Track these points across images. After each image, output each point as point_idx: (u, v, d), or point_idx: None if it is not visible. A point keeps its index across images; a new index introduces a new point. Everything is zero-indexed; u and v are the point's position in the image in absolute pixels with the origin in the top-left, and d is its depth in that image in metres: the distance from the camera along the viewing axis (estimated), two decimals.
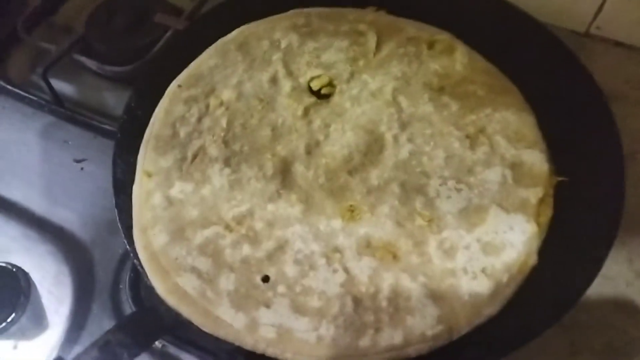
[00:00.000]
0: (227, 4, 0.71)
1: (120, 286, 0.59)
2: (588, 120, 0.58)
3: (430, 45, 0.65)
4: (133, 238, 0.51)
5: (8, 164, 0.69)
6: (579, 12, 0.77)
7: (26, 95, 0.75)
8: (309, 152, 0.58)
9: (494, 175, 0.54)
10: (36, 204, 0.66)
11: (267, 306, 0.47)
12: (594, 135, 0.56)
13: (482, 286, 0.47)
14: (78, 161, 0.69)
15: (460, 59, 0.63)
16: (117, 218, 0.52)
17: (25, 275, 0.58)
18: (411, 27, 0.67)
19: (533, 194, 0.52)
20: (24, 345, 0.56)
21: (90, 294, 0.58)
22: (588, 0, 0.75)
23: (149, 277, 0.48)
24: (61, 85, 0.76)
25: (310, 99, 0.62)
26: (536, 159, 0.55)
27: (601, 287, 0.57)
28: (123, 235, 0.51)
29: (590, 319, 0.57)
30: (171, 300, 0.47)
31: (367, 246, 0.51)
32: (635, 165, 0.65)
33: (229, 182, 0.55)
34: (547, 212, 0.52)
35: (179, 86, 0.62)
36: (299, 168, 0.56)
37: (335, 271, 0.49)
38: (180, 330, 0.48)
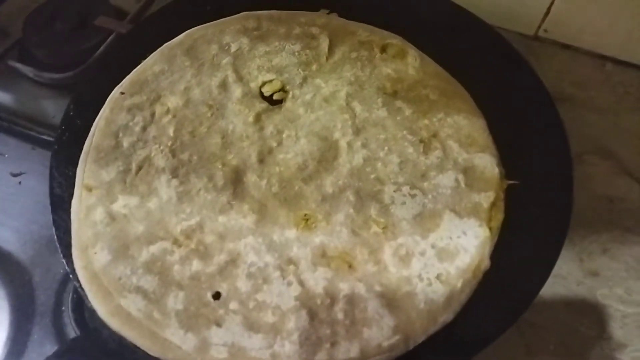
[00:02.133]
0: (173, 6, 0.69)
1: (63, 308, 0.55)
2: (536, 123, 0.59)
3: (383, 49, 0.64)
4: (72, 258, 0.48)
5: None
6: (527, 15, 0.79)
7: None
8: (261, 160, 0.56)
9: (447, 180, 0.54)
10: None
11: (219, 324, 0.45)
12: (543, 138, 0.57)
13: (437, 293, 0.47)
14: (15, 175, 0.64)
15: (412, 62, 0.63)
16: (55, 236, 0.48)
17: None
18: (363, 31, 0.66)
19: (485, 198, 0.52)
20: None
21: (30, 318, 0.54)
22: (536, 4, 0.77)
23: (90, 299, 0.46)
24: None
25: (261, 105, 0.60)
26: (487, 163, 0.55)
27: (553, 287, 0.58)
28: (61, 254, 0.48)
29: (544, 320, 0.57)
30: (114, 323, 0.45)
31: (322, 256, 0.49)
32: (583, 166, 0.66)
33: (177, 194, 0.53)
34: (499, 216, 0.52)
35: (122, 93, 0.59)
36: (251, 177, 0.55)
37: (289, 284, 0.48)
38: (126, 354, 0.45)
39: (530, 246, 0.50)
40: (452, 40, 0.64)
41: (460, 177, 0.54)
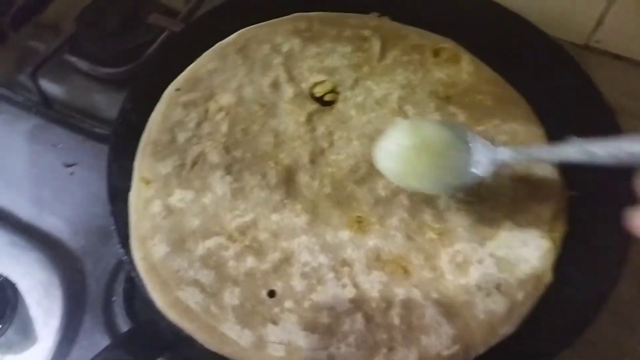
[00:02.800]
0: (226, 6, 0.69)
1: (113, 298, 0.56)
2: (596, 133, 0.57)
3: (436, 53, 0.64)
4: (130, 249, 0.48)
5: None
6: (579, 24, 0.77)
7: (13, 95, 0.71)
8: (313, 160, 0.56)
9: (505, 188, 0.53)
10: (24, 210, 0.62)
11: (275, 322, 0.45)
12: None
13: (497, 304, 0.46)
14: (68, 165, 0.65)
15: (466, 67, 0.62)
16: (114, 227, 0.49)
17: (12, 285, 0.55)
18: (415, 35, 0.66)
19: (546, 209, 0.51)
20: (12, 359, 0.52)
21: (82, 307, 0.55)
22: (588, 13, 0.75)
23: (149, 290, 0.46)
24: (50, 86, 0.72)
25: (313, 106, 0.60)
26: (547, 173, 0.54)
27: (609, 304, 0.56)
28: (120, 245, 0.48)
29: (599, 338, 0.55)
30: (173, 315, 0.45)
31: (376, 259, 0.49)
32: None
33: (231, 190, 0.53)
34: (561, 228, 0.51)
35: (177, 90, 0.60)
36: (303, 177, 0.54)
37: (344, 286, 0.47)
38: (182, 347, 0.45)
39: (594, 261, 0.49)
40: (506, 46, 0.63)
41: (519, 185, 0.53)
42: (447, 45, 0.64)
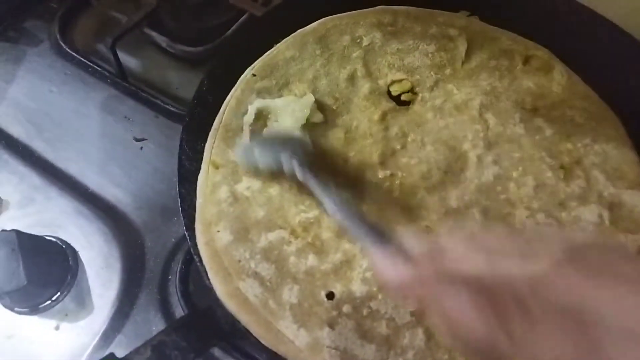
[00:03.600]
0: None
1: (170, 277, 0.56)
2: None
3: (526, 60, 0.60)
4: (194, 232, 0.48)
5: (66, 134, 0.67)
6: None
7: (90, 64, 0.72)
8: (383, 161, 0.54)
9: (589, 213, 0.49)
10: (91, 179, 0.63)
11: (332, 326, 0.43)
12: None
13: None
14: (138, 140, 0.66)
15: (558, 79, 0.58)
16: (180, 208, 0.49)
17: (75, 253, 0.56)
18: (506, 38, 0.62)
19: (632, 241, 0.47)
20: (66, 326, 0.54)
21: (139, 282, 0.56)
22: None
23: (210, 277, 0.45)
24: (127, 58, 0.73)
25: (388, 104, 0.58)
26: (638, 202, 0.49)
27: None
28: (185, 227, 0.48)
29: None
30: (232, 305, 0.44)
31: None
32: None
33: (298, 184, 0.51)
34: None
35: (254, 75, 0.59)
36: (372, 178, 0.52)
37: (406, 297, 0.45)
38: (236, 338, 0.44)
39: None
40: (603, 59, 0.59)
41: (605, 213, 0.49)
42: (540, 52, 0.60)
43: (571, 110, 0.56)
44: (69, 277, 0.55)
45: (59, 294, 0.54)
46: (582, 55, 0.59)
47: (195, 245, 0.47)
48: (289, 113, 0.55)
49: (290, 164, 0.46)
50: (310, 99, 0.57)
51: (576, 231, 0.48)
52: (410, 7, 0.65)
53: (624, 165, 0.52)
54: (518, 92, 0.58)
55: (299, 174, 0.45)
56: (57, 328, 0.54)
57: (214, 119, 0.55)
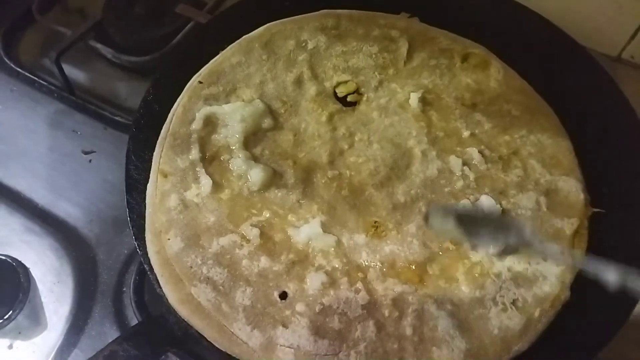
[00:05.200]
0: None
1: (124, 289, 0.56)
2: (625, 149, 0.55)
3: (464, 58, 0.62)
4: (144, 241, 0.48)
5: (13, 150, 0.66)
6: (613, 37, 0.75)
7: (36, 79, 0.71)
8: (332, 161, 0.55)
9: (527, 200, 0.51)
10: (40, 195, 0.62)
11: (285, 325, 0.44)
12: (631, 165, 0.54)
13: (512, 320, 0.45)
14: (86, 153, 0.65)
15: (494, 74, 0.61)
16: (129, 219, 0.48)
17: (26, 270, 0.55)
18: (444, 38, 0.64)
19: (568, 225, 0.50)
20: (20, 345, 0.53)
21: (92, 296, 0.55)
22: (623, 25, 0.73)
23: (162, 284, 0.45)
24: (73, 72, 0.72)
25: (335, 105, 0.59)
26: (572, 188, 0.52)
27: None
28: (134, 237, 0.48)
29: (614, 356, 0.54)
30: (184, 311, 0.44)
31: (391, 266, 0.48)
32: None
33: (248, 187, 0.52)
34: (582, 245, 0.49)
35: (200, 82, 0.59)
36: (321, 178, 0.54)
37: (357, 291, 0.46)
38: (190, 344, 0.44)
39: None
40: (538, 54, 0.62)
41: (542, 199, 0.51)
42: (477, 50, 0.63)
43: (508, 104, 0.58)
44: (20, 294, 0.54)
45: (11, 312, 0.53)
46: (518, 51, 0.62)
47: (145, 254, 0.47)
48: (238, 119, 0.56)
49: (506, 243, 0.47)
50: (258, 104, 0.57)
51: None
52: (352, 11, 0.66)
53: (559, 153, 0.55)
54: (458, 88, 0.60)
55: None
56: (10, 347, 0.53)
57: (161, 128, 0.55)
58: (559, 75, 0.60)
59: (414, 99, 0.58)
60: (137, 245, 0.48)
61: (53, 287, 0.55)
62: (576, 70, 0.61)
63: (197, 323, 0.44)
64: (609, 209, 0.51)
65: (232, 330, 0.44)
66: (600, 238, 0.50)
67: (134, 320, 0.53)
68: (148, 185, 0.51)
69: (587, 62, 0.61)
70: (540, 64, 0.61)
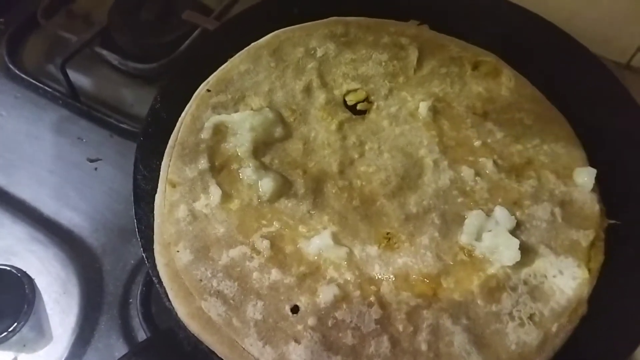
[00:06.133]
0: (261, 6, 0.68)
1: (130, 300, 0.55)
2: (639, 159, 0.55)
3: (475, 66, 0.62)
4: (152, 253, 0.47)
5: (18, 158, 0.65)
6: (622, 43, 0.75)
7: (41, 85, 0.71)
8: (342, 171, 0.54)
9: (542, 211, 0.50)
10: (45, 204, 0.61)
11: (297, 341, 0.43)
12: None
13: (530, 335, 0.44)
14: (92, 160, 0.65)
15: (506, 83, 0.60)
16: (137, 230, 0.48)
17: (31, 281, 0.54)
18: (455, 46, 0.63)
19: (584, 237, 0.49)
20: (25, 358, 0.52)
21: (99, 307, 0.54)
22: (632, 32, 0.73)
23: (171, 298, 0.44)
24: (78, 78, 0.72)
25: (345, 114, 0.58)
26: (587, 198, 0.51)
27: None
28: (142, 249, 0.47)
29: None
30: (194, 326, 0.43)
31: (405, 279, 0.47)
32: None
33: (258, 198, 0.51)
34: (599, 257, 0.48)
35: (208, 91, 0.58)
36: (332, 188, 0.53)
37: (370, 305, 0.45)
38: (200, 359, 0.43)
39: (631, 292, 0.46)
40: (549, 61, 0.61)
41: (557, 210, 0.50)
42: (488, 58, 0.62)
43: (520, 113, 0.57)
44: (25, 306, 0.53)
45: (15, 324, 0.52)
46: (529, 59, 0.62)
47: (154, 266, 0.46)
48: (247, 128, 0.55)
49: None
50: (268, 113, 0.57)
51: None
52: (361, 18, 0.66)
53: (573, 163, 0.54)
54: (469, 97, 0.59)
55: None
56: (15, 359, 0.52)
57: (169, 137, 0.54)
58: (571, 83, 0.59)
59: (423, 107, 0.57)
60: (146, 257, 0.47)
61: (59, 298, 0.55)
62: (588, 78, 0.60)
63: (208, 338, 0.43)
64: (625, 220, 0.50)
65: (243, 346, 0.43)
66: (617, 250, 0.49)
67: (140, 332, 0.52)
68: (156, 195, 0.50)
69: (599, 70, 0.60)
70: (551, 71, 0.61)
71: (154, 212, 0.49)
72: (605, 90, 0.59)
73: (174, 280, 0.45)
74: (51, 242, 0.58)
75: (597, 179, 0.52)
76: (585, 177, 0.52)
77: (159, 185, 0.51)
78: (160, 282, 0.46)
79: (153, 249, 0.47)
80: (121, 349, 0.51)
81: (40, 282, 0.55)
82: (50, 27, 0.76)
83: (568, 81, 0.60)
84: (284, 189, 0.52)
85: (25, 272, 0.55)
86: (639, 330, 0.45)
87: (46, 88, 0.70)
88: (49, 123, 0.68)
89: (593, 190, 0.52)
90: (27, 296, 0.53)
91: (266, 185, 0.51)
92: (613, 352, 0.44)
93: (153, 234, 0.48)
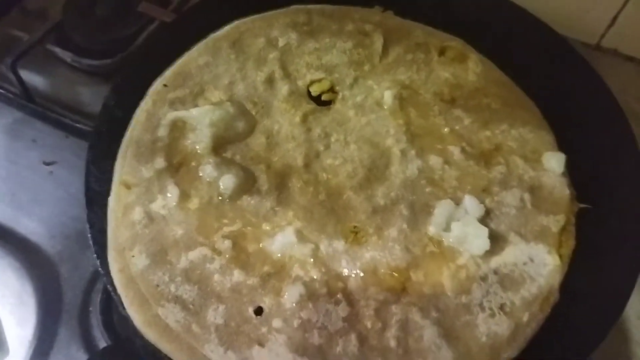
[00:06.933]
0: None
1: (90, 309, 0.52)
2: (608, 140, 0.54)
3: (441, 52, 0.60)
4: (107, 259, 0.45)
5: None
6: (591, 24, 0.74)
7: None
8: (307, 164, 0.52)
9: (511, 198, 0.49)
10: None
11: (261, 344, 0.41)
12: (615, 157, 0.52)
13: (501, 325, 0.43)
14: (47, 164, 0.62)
15: (473, 68, 0.59)
16: (89, 235, 0.45)
17: None
18: (420, 32, 0.62)
19: (554, 222, 0.48)
20: None
21: (57, 317, 0.52)
22: (601, 13, 0.72)
23: (126, 306, 0.42)
24: (31, 78, 0.68)
25: (309, 105, 0.56)
26: (557, 183, 0.50)
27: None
28: (95, 255, 0.45)
29: (603, 356, 0.53)
30: (151, 334, 0.41)
31: (373, 274, 0.45)
32: None
33: (219, 195, 0.49)
34: (570, 242, 0.48)
35: (165, 85, 0.56)
36: (296, 183, 0.51)
37: (337, 303, 0.44)
38: None
39: (603, 278, 0.45)
40: (516, 45, 0.60)
41: (526, 196, 0.49)
42: (454, 43, 0.61)
43: (487, 98, 0.56)
44: None
45: None
46: (496, 43, 0.60)
47: (108, 273, 0.44)
48: (207, 124, 0.53)
49: None
50: (228, 107, 0.54)
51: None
52: (324, 5, 0.64)
53: (542, 148, 0.53)
54: (436, 83, 0.58)
55: None
56: None
57: (123, 136, 0.52)
58: (538, 67, 0.58)
59: (388, 96, 0.56)
60: (99, 263, 0.44)
61: (14, 310, 0.52)
62: (555, 61, 0.59)
63: (166, 346, 0.41)
64: (595, 204, 0.49)
65: (203, 353, 0.41)
66: (589, 234, 0.48)
67: (101, 342, 0.50)
68: (110, 198, 0.48)
69: (566, 52, 0.59)
70: (518, 55, 0.59)
71: (108, 215, 0.47)
72: (573, 73, 0.58)
73: (129, 287, 0.43)
74: (5, 251, 0.55)
75: (567, 162, 0.52)
76: (554, 161, 0.51)
77: (113, 187, 0.49)
78: (115, 289, 0.43)
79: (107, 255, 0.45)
80: None
81: None
82: (1, 26, 0.73)
83: (536, 64, 0.59)
84: (247, 185, 0.50)
85: None
86: (611, 316, 0.44)
87: None
88: (2, 126, 0.65)
89: (563, 174, 0.51)
90: None
91: (227, 182, 0.49)
92: (586, 340, 0.43)
93: (107, 239, 0.46)
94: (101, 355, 0.43)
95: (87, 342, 0.51)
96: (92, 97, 0.68)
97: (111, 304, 0.50)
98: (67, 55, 0.67)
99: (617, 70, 0.74)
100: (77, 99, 0.68)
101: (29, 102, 0.66)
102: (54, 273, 0.54)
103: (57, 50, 0.67)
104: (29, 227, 0.57)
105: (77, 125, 0.63)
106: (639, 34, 0.71)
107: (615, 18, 0.72)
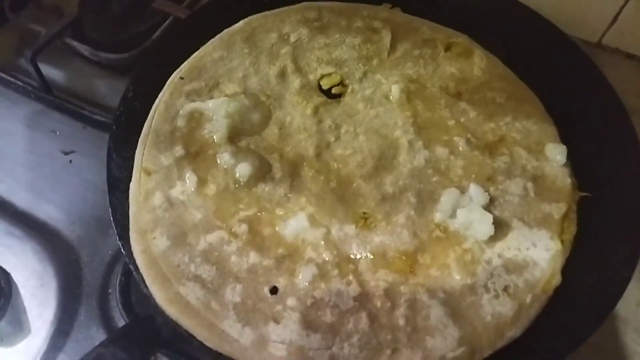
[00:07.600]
0: None
1: (109, 290, 0.54)
2: (609, 133, 0.56)
3: (447, 47, 0.62)
4: (128, 241, 0.47)
5: None
6: (593, 22, 0.76)
7: (12, 80, 0.69)
8: (318, 154, 0.54)
9: (515, 186, 0.51)
10: (20, 198, 0.60)
11: (276, 321, 0.43)
12: (616, 149, 0.55)
13: (505, 306, 0.44)
14: (66, 153, 0.64)
15: (478, 63, 0.61)
16: (112, 218, 0.47)
17: (7, 275, 0.53)
18: (427, 28, 0.64)
19: (556, 209, 0.50)
20: (3, 352, 0.51)
21: (77, 298, 0.54)
22: (602, 11, 0.74)
23: (148, 284, 0.44)
24: (50, 71, 0.71)
25: (320, 98, 0.58)
26: (559, 173, 0.52)
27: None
28: (117, 237, 0.47)
29: (602, 340, 0.54)
30: (172, 311, 0.43)
31: (382, 257, 0.47)
32: None
33: (235, 182, 0.51)
34: (571, 229, 0.49)
35: (181, 78, 0.58)
36: (308, 171, 0.53)
37: (348, 283, 0.46)
38: (180, 344, 0.43)
39: (603, 262, 0.47)
40: (520, 41, 0.62)
41: (529, 185, 0.51)
42: (459, 39, 0.63)
43: (492, 92, 0.58)
44: (2, 300, 0.52)
45: None
46: (501, 39, 0.62)
47: (130, 254, 0.46)
48: (223, 115, 0.55)
49: None
50: (243, 99, 0.56)
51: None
52: (334, 2, 0.66)
53: (545, 139, 0.55)
54: (442, 78, 0.60)
55: None
56: None
57: (142, 126, 0.54)
58: (542, 62, 0.60)
59: (395, 90, 0.58)
60: (122, 245, 0.46)
61: (36, 292, 0.54)
62: (558, 57, 0.61)
63: (186, 322, 0.43)
64: (596, 193, 0.51)
65: (222, 328, 0.43)
66: (589, 221, 0.50)
67: (121, 322, 0.52)
68: (131, 183, 0.50)
69: (569, 49, 0.61)
70: (522, 51, 0.61)
71: (129, 200, 0.49)
72: (575, 69, 0.60)
73: (151, 267, 0.45)
74: (27, 236, 0.57)
75: (569, 153, 0.54)
76: (556, 152, 0.53)
77: (134, 173, 0.51)
78: (137, 269, 0.45)
79: (129, 237, 0.47)
80: (101, 339, 0.50)
81: (17, 276, 0.54)
82: (18, 20, 0.75)
83: (539, 60, 0.61)
84: (262, 173, 0.52)
85: (1, 266, 0.54)
86: (611, 299, 0.46)
87: (17, 82, 0.69)
88: (22, 117, 0.67)
89: (565, 165, 0.53)
90: (4, 290, 0.52)
91: (244, 169, 0.51)
92: (587, 321, 0.45)
93: (128, 223, 0.48)
94: (121, 333, 0.45)
95: (106, 322, 0.53)
96: (108, 89, 0.70)
97: (129, 286, 0.52)
98: (84, 49, 0.69)
99: (617, 67, 0.76)
100: (94, 91, 0.70)
101: (48, 95, 0.68)
102: (74, 257, 0.56)
103: (76, 44, 0.69)
104: (50, 213, 0.59)
105: (95, 116, 0.66)
106: (638, 33, 0.73)
107: (616, 17, 0.74)
